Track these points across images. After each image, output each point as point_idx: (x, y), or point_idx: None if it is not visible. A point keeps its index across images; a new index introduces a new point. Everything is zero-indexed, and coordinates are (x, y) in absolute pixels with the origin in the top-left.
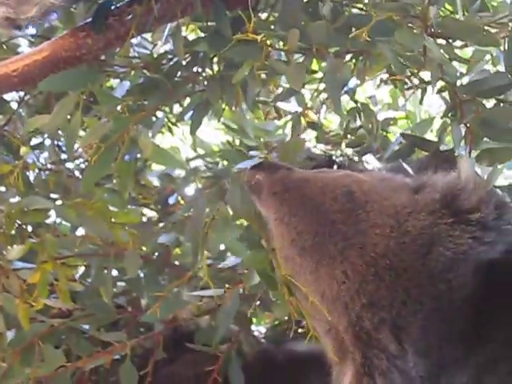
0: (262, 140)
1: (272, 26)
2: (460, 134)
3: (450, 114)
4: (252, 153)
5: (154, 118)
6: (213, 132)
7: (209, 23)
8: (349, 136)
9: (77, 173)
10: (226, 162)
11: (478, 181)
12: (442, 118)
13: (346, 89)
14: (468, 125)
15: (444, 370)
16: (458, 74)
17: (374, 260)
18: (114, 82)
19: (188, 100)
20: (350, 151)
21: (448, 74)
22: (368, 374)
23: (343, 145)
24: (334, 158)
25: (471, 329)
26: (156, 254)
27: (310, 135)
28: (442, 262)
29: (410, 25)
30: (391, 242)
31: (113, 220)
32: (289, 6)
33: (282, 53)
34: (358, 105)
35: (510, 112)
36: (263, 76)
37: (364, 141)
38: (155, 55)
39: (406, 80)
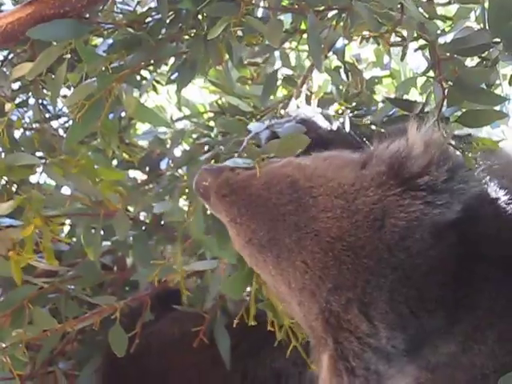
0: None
1: None
2: (439, 93)
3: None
4: (252, 125)
5: (138, 77)
6: (198, 91)
7: None
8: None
9: (61, 131)
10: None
11: (428, 143)
12: (420, 75)
13: (333, 49)
14: (443, 84)
15: (426, 340)
16: (438, 32)
17: (331, 244)
18: (98, 41)
19: (173, 59)
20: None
21: (428, 31)
22: (342, 357)
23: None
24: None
25: (450, 296)
26: (144, 214)
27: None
28: (396, 232)
29: None
30: (344, 223)
31: (98, 179)
32: None
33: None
34: (345, 64)
35: (484, 72)
36: (240, 33)
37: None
38: (139, 12)
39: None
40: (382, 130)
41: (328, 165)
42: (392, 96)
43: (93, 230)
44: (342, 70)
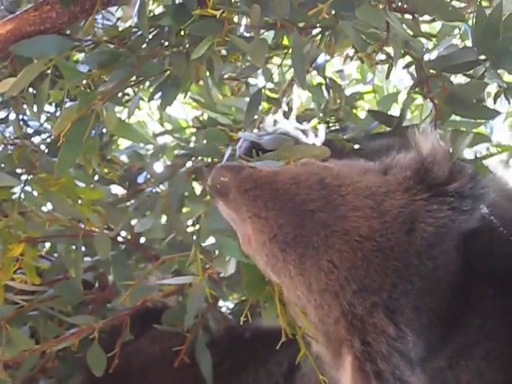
0: (232, 117)
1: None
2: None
3: (416, 90)
4: (242, 134)
5: (120, 94)
6: (180, 106)
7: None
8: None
9: (42, 146)
10: (201, 139)
11: (444, 152)
12: (408, 93)
13: (314, 64)
14: (435, 100)
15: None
16: (424, 50)
17: (360, 243)
18: (79, 55)
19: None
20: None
21: (414, 49)
22: (369, 359)
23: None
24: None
25: (451, 313)
26: (124, 234)
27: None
28: (425, 238)
29: (373, 1)
30: (374, 223)
31: (79, 197)
32: None
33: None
34: (327, 80)
35: (476, 87)
36: (224, 52)
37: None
38: (120, 29)
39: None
40: (357, 147)
41: (350, 168)
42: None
43: (74, 247)
44: (323, 86)
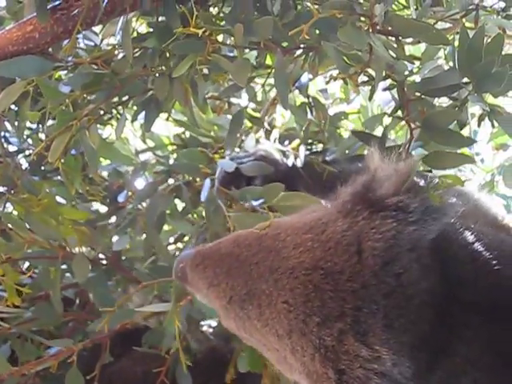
0: (212, 134)
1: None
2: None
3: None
4: (221, 163)
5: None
6: (163, 123)
7: (159, 19)
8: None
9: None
10: (181, 157)
11: (393, 169)
12: (389, 116)
13: (297, 84)
14: (412, 125)
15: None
16: (407, 72)
17: (308, 276)
18: (62, 73)
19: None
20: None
21: (396, 71)
22: None
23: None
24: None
25: (435, 340)
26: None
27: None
28: (377, 255)
29: (357, 23)
30: (317, 253)
31: (61, 218)
32: (240, 1)
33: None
34: (310, 99)
35: (452, 114)
36: (206, 71)
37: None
38: (103, 48)
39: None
40: (335, 170)
41: (290, 217)
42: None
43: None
44: (306, 106)
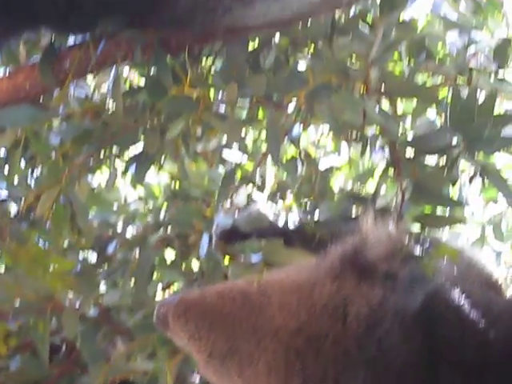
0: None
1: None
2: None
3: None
4: (217, 218)
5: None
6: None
7: (151, 69)
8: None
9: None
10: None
11: (384, 235)
12: (380, 176)
13: (289, 135)
14: (403, 186)
15: None
16: (400, 131)
17: (291, 338)
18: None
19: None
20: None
21: (388, 131)
22: None
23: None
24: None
25: None
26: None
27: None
28: (362, 320)
29: (350, 85)
30: (301, 314)
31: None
32: (232, 55)
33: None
34: (301, 153)
35: (444, 178)
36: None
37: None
38: (95, 98)
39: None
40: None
41: (279, 272)
42: (349, 186)
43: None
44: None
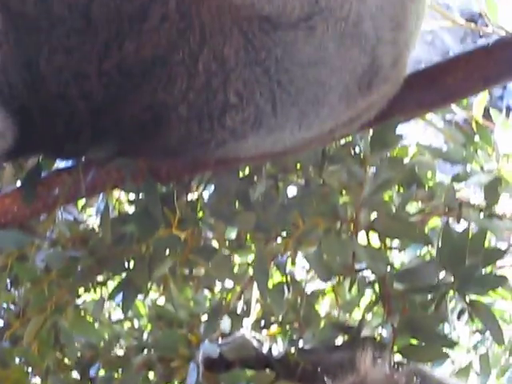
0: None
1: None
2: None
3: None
4: (203, 347)
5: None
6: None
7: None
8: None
9: None
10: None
11: (384, 375)
12: (367, 310)
13: (275, 260)
14: (394, 324)
15: None
16: (388, 269)
17: None
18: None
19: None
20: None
21: (377, 269)
22: None
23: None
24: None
25: None
26: None
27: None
28: None
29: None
30: None
31: None
32: (222, 185)
33: None
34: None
35: (436, 318)
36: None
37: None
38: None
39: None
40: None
41: None
42: (335, 311)
43: None
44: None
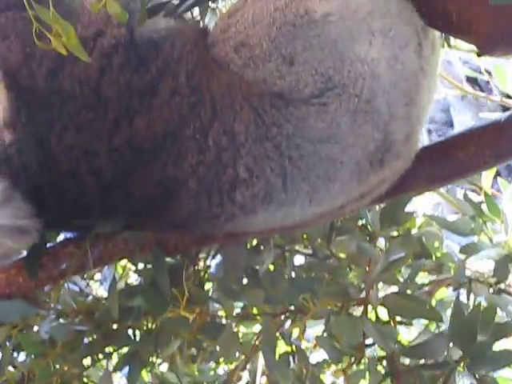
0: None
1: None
2: None
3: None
4: None
5: None
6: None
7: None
8: None
9: None
10: None
11: None
12: None
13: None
14: None
15: None
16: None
17: None
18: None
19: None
20: None
21: (386, 345)
22: None
23: None
24: None
25: None
26: None
27: None
28: None
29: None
30: None
31: None
32: (230, 258)
33: None
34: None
35: None
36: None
37: None
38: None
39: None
40: None
41: None
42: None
43: None
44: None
